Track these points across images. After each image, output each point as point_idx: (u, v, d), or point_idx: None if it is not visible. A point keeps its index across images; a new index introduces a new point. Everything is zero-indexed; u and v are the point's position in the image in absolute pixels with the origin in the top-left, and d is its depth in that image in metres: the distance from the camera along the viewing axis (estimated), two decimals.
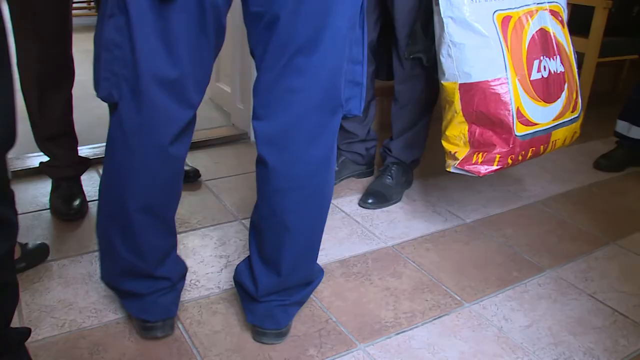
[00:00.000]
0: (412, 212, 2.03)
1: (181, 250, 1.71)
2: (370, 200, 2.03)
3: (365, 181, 2.21)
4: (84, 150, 2.30)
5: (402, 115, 2.05)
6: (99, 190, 1.24)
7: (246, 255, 1.70)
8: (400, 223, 1.95)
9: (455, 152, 1.67)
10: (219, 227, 1.86)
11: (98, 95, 1.12)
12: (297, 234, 1.25)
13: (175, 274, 1.34)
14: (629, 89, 2.65)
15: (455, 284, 1.64)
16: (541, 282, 1.67)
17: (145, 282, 1.29)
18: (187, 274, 1.60)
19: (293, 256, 1.27)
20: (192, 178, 2.17)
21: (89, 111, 2.89)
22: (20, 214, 1.91)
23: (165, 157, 1.16)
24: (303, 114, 1.16)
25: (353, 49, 1.19)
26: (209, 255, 1.70)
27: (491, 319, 1.50)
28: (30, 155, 2.29)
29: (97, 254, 1.68)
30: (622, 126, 2.51)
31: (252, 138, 2.61)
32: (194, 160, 2.37)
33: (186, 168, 2.16)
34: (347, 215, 1.98)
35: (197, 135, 2.58)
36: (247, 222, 1.89)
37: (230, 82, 2.82)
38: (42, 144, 1.89)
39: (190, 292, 1.53)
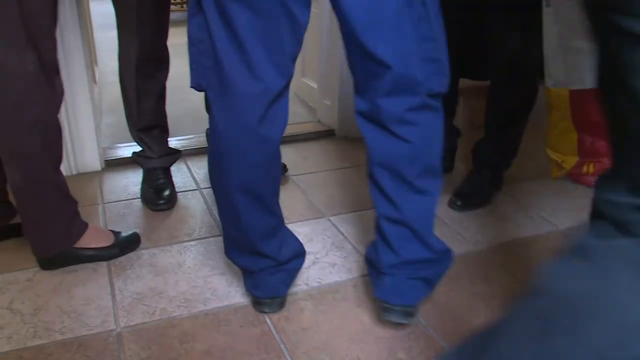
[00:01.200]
0: (502, 216, 1.96)
1: None
2: (459, 203, 1.97)
3: (451, 180, 2.15)
4: (172, 142, 2.34)
5: (497, 117, 1.98)
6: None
7: (333, 253, 1.69)
8: (491, 227, 1.88)
9: (562, 162, 1.59)
10: (306, 223, 1.85)
11: (190, 85, 1.23)
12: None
13: (282, 255, 1.38)
14: None
15: None
16: None
17: (252, 259, 1.37)
18: None
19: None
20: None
21: (177, 104, 2.95)
22: (113, 202, 1.96)
23: (254, 139, 1.21)
24: (384, 96, 1.20)
25: (421, 26, 1.17)
26: None
27: None
28: (121, 146, 2.35)
29: (185, 244, 1.71)
30: None
31: (338, 134, 2.59)
32: None
33: None
34: (435, 216, 1.93)
35: None
36: (334, 219, 1.87)
37: (316, 77, 2.81)
38: (137, 135, 1.94)
39: None
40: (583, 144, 1.55)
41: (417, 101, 1.21)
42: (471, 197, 1.99)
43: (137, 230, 1.74)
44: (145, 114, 1.89)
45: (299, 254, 1.46)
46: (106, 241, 1.63)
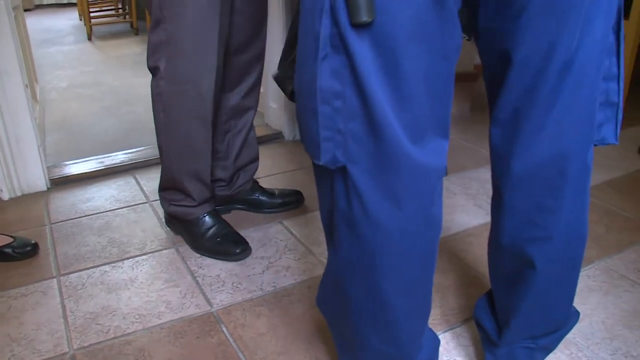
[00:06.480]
0: (452, 206, 1.99)
1: None
2: None
3: None
4: (119, 156, 2.31)
5: None
6: (330, 274, 1.02)
7: (286, 256, 1.69)
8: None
9: None
10: (258, 228, 1.85)
11: (320, 162, 0.85)
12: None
13: (431, 351, 1.12)
14: None
15: None
16: (590, 274, 1.62)
17: None
18: (229, 276, 1.59)
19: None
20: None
21: (122, 117, 2.91)
22: (60, 222, 1.92)
23: (423, 223, 0.90)
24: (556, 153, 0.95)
25: (607, 60, 0.93)
26: (250, 257, 1.69)
27: None
28: (68, 163, 2.31)
29: (137, 259, 1.69)
30: None
31: (287, 137, 2.59)
32: None
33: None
34: None
35: None
36: (286, 223, 1.87)
37: (262, 81, 2.79)
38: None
39: (233, 295, 1.52)
40: None
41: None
42: None
43: (87, 249, 1.72)
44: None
45: (438, 344, 1.17)
46: None
